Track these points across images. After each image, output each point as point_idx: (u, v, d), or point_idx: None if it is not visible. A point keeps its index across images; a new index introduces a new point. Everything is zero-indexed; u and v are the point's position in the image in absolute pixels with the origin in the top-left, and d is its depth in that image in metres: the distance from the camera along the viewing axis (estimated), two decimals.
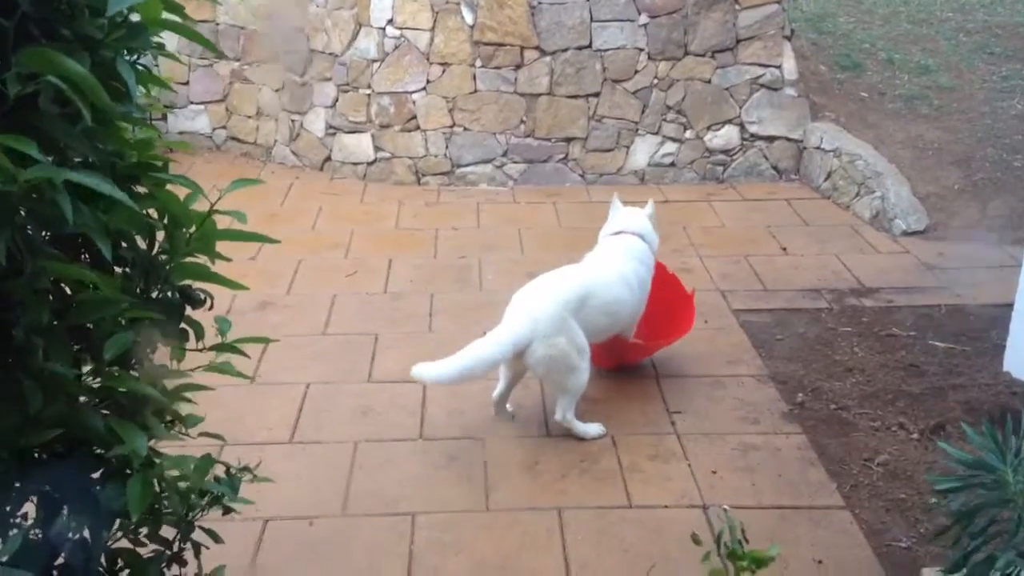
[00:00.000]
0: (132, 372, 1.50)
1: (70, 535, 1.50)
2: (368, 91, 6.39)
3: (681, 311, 4.12)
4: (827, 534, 3.10)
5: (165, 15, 1.37)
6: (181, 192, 1.60)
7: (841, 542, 3.06)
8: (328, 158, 6.66)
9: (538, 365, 3.52)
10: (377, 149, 6.47)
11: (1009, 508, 1.84)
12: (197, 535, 1.78)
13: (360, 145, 6.51)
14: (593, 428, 3.62)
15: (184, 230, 1.51)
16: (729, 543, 1.71)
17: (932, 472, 3.28)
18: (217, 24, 6.87)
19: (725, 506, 3.13)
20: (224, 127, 7.14)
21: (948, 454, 2.09)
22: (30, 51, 1.17)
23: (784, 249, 5.34)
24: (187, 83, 7.04)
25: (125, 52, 1.34)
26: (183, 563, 1.78)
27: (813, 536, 3.08)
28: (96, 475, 1.50)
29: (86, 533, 1.53)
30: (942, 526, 2.09)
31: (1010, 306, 3.92)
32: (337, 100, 6.52)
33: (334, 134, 6.59)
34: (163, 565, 1.70)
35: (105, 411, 1.47)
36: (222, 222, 1.58)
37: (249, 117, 7.02)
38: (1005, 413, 2.52)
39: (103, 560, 1.61)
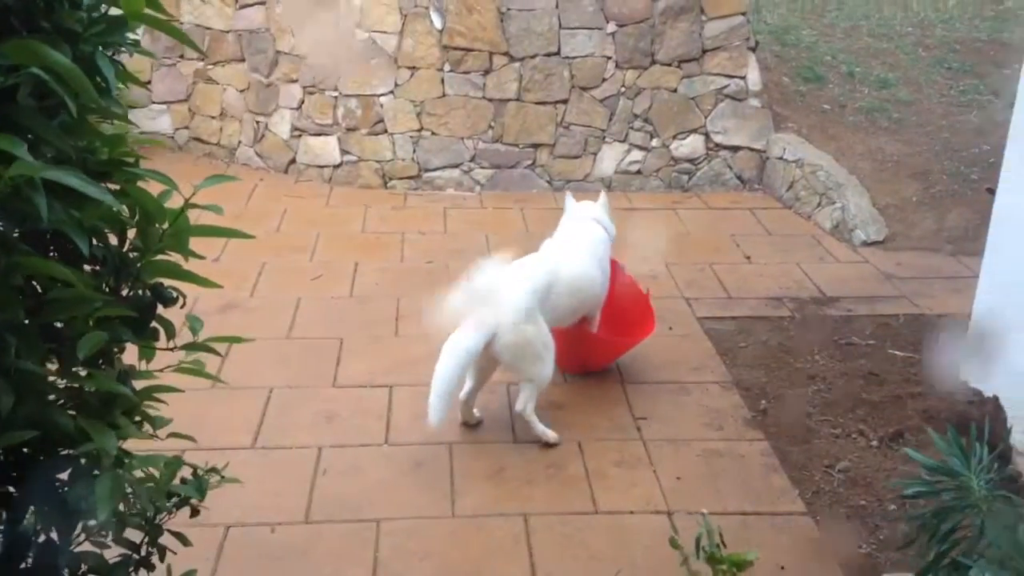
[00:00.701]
0: (102, 371, 1.48)
1: (35, 538, 1.47)
2: (335, 93, 6.36)
3: (641, 315, 4.14)
4: (789, 540, 3.13)
5: (147, 11, 1.35)
6: (153, 189, 1.58)
7: (803, 548, 3.10)
8: (293, 160, 6.61)
9: (505, 351, 3.51)
10: (343, 152, 6.44)
11: (972, 513, 1.87)
12: (164, 539, 1.75)
13: (326, 148, 6.47)
14: (550, 433, 3.62)
15: (157, 226, 1.49)
16: (707, 547, 1.73)
17: (892, 479, 3.33)
18: (181, 23, 6.79)
19: (704, 510, 3.15)
20: (187, 127, 7.05)
21: (910, 460, 2.12)
22: (14, 43, 1.15)
23: (748, 258, 5.40)
24: (149, 82, 6.94)
25: (102, 47, 1.32)
26: (151, 567, 1.75)
27: (776, 542, 3.11)
28: (64, 476, 1.47)
29: (52, 535, 1.50)
30: (905, 533, 2.12)
31: (967, 316, 4.00)
32: (303, 102, 6.47)
33: (299, 136, 6.54)
34: (130, 569, 1.67)
35: (72, 412, 1.45)
36: (194, 218, 1.56)
37: (213, 118, 6.94)
38: (967, 422, 2.56)
39: (67, 564, 1.57)
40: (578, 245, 3.93)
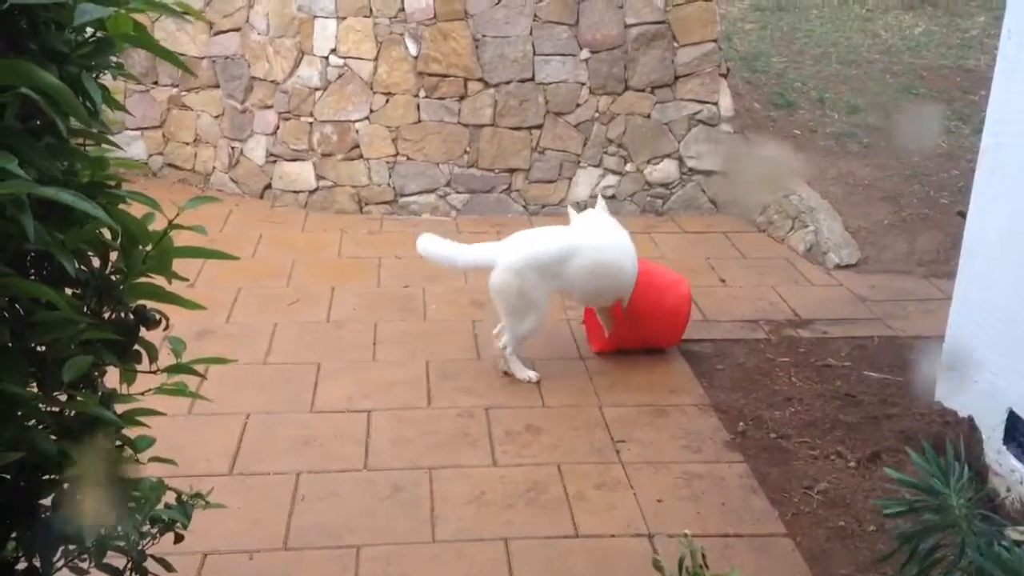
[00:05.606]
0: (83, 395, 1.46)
1: (15, 564, 1.44)
2: (310, 119, 6.35)
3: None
4: (770, 561, 3.13)
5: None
6: (134, 212, 1.57)
7: (784, 569, 3.10)
8: (268, 186, 6.59)
9: (492, 290, 4.33)
10: (319, 178, 6.43)
11: (953, 532, 1.88)
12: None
13: (302, 173, 6.46)
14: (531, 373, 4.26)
15: (140, 248, 1.47)
16: (690, 568, 1.73)
17: (871, 500, 3.35)
18: None
19: (687, 532, 3.15)
20: (161, 154, 7.01)
21: (888, 481, 2.14)
22: (1, 63, 1.13)
23: (723, 281, 5.43)
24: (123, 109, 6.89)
25: (88, 68, 1.31)
26: None
27: (757, 564, 3.11)
28: (46, 501, 1.45)
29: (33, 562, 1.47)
30: (886, 551, 2.13)
31: (940, 338, 4.04)
32: (278, 128, 6.47)
33: (275, 162, 6.52)
34: None
35: (54, 436, 1.42)
36: (178, 240, 1.55)
37: (187, 144, 6.91)
38: (942, 442, 2.59)
39: None
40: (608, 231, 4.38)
